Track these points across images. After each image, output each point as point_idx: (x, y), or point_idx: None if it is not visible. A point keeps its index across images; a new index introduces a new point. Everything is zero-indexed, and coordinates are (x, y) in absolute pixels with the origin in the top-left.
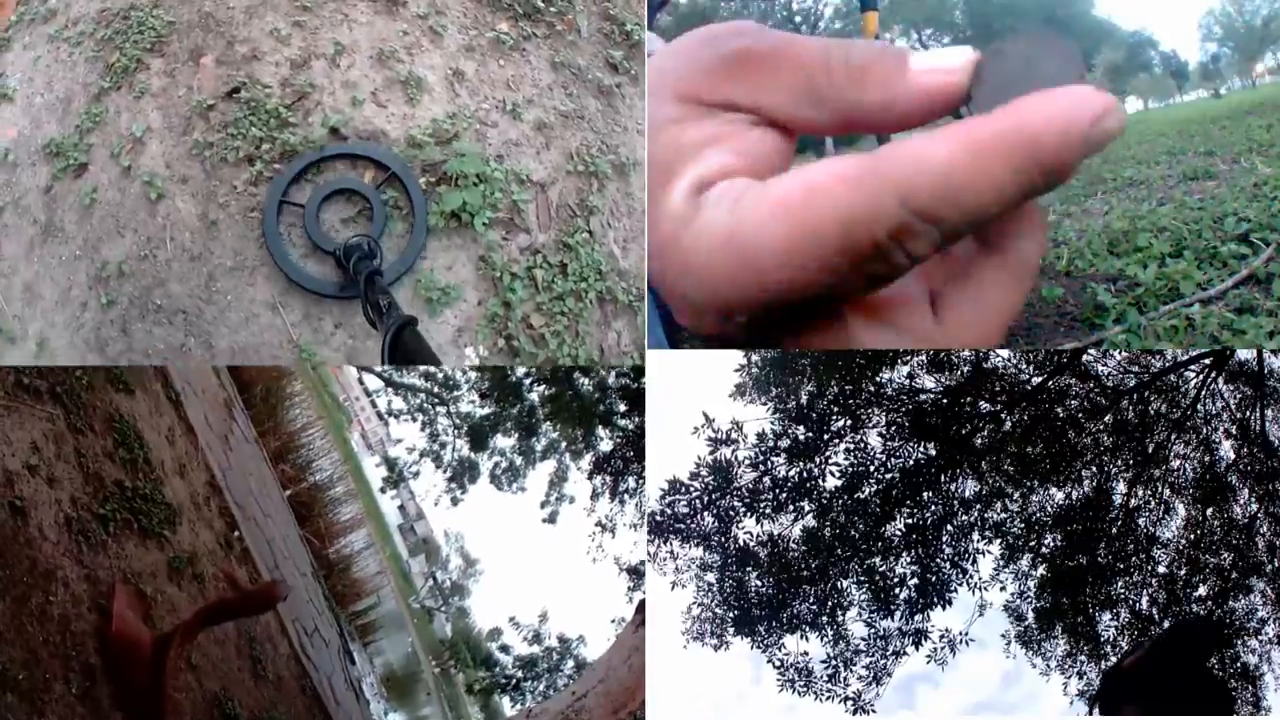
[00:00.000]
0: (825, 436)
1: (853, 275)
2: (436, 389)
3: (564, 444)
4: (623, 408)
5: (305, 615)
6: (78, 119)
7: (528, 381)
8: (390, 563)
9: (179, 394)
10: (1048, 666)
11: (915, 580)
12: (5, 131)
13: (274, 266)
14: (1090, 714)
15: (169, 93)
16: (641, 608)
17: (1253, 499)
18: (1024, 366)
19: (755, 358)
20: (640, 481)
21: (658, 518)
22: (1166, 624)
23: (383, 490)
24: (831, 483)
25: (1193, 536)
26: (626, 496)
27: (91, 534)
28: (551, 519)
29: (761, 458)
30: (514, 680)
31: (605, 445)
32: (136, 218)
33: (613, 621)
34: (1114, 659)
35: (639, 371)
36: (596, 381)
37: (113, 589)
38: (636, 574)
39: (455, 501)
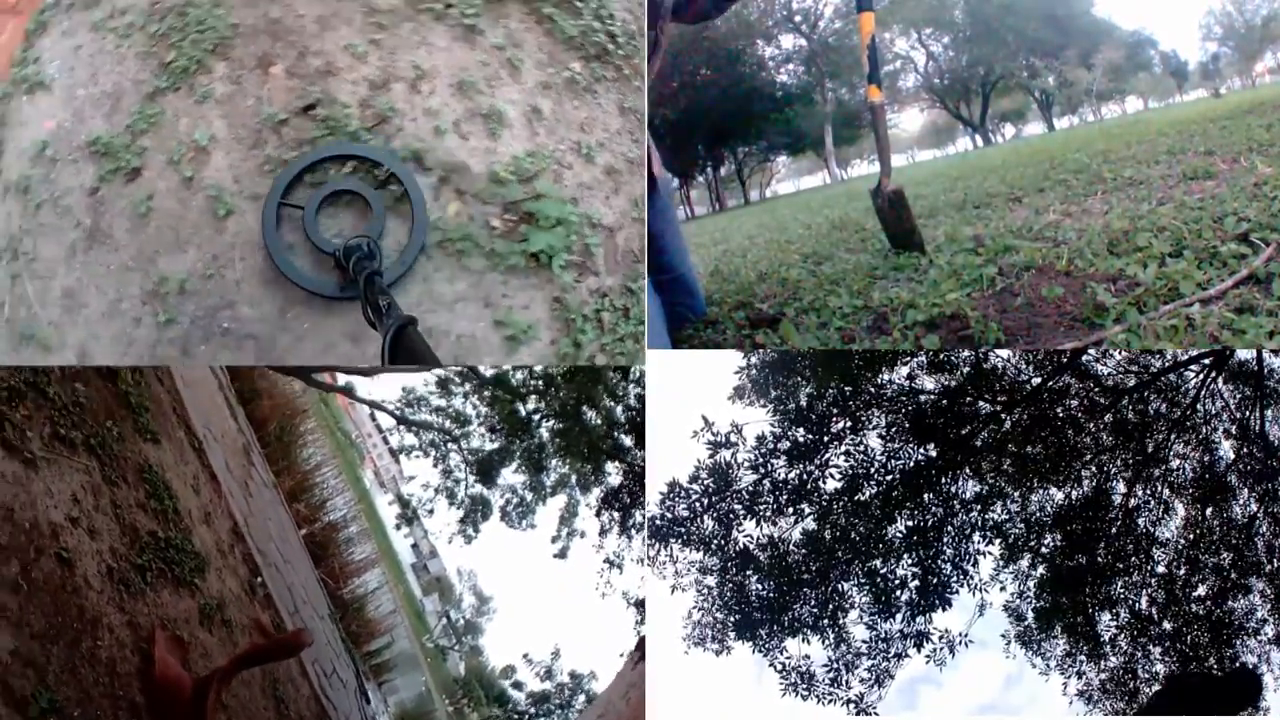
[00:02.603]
0: (825, 438)
1: None
2: (448, 424)
3: (573, 478)
4: (628, 442)
5: (324, 657)
6: (129, 118)
7: (536, 418)
8: (404, 602)
9: (201, 441)
10: (1047, 666)
11: (916, 582)
12: (42, 123)
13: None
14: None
15: (234, 101)
16: (641, 644)
17: (1253, 499)
18: (1024, 366)
19: (755, 359)
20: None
21: (657, 521)
22: (1230, 668)
23: (397, 528)
24: (831, 485)
25: (1192, 536)
26: (634, 531)
27: (131, 583)
28: (563, 554)
29: (761, 460)
30: (526, 717)
31: (614, 480)
32: (201, 233)
33: (621, 655)
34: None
35: (641, 402)
36: (604, 416)
37: (153, 634)
38: (643, 608)
39: (468, 539)
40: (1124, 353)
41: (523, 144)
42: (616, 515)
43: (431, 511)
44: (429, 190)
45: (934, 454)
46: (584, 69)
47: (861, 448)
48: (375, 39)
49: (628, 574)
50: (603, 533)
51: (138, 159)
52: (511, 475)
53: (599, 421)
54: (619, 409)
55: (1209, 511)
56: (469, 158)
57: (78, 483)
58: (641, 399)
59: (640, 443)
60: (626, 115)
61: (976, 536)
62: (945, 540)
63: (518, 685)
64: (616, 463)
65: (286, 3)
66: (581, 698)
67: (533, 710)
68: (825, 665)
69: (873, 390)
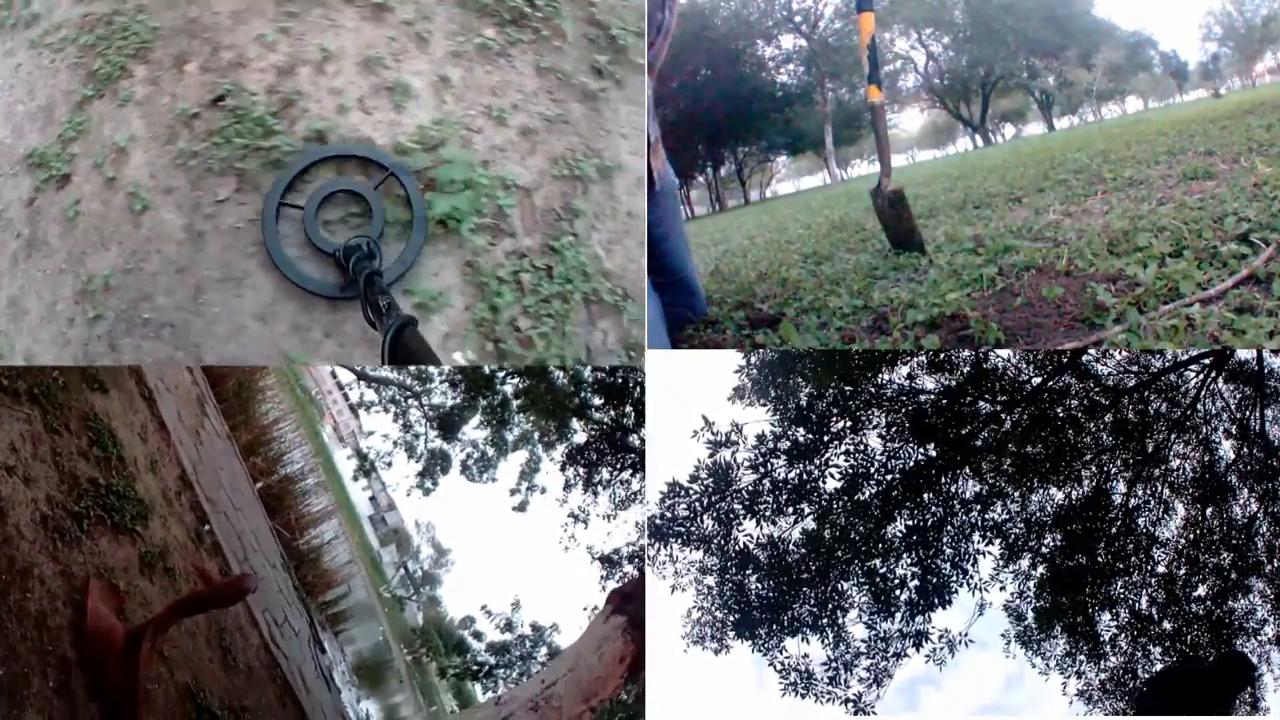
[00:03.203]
0: (825, 438)
1: None
2: (410, 381)
3: (536, 434)
4: (597, 401)
5: (275, 606)
6: (60, 128)
7: (501, 374)
8: (361, 553)
9: (152, 391)
10: (1047, 666)
11: (916, 582)
12: None
13: (263, 274)
14: (1140, 698)
15: (153, 100)
16: (613, 598)
17: (1253, 499)
18: (1024, 366)
19: (754, 358)
20: (614, 473)
21: (657, 521)
22: (1219, 652)
23: (354, 479)
24: (831, 484)
25: (1193, 536)
26: (600, 488)
27: (67, 531)
28: (522, 508)
29: (761, 460)
30: (486, 667)
31: (579, 437)
32: (121, 230)
33: (585, 609)
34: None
35: (622, 370)
36: (571, 375)
37: (87, 584)
38: (609, 563)
39: (426, 492)
40: (1124, 353)
41: (429, 113)
42: (581, 471)
43: (390, 464)
44: (331, 168)
45: (934, 454)
46: (498, 34)
47: (861, 447)
48: (285, 27)
49: (593, 528)
50: (567, 487)
51: (67, 166)
52: (473, 430)
53: (564, 380)
54: (586, 370)
55: (1209, 511)
56: (372, 131)
57: (17, 431)
58: (616, 379)
59: (610, 401)
60: (545, 75)
61: (976, 536)
62: (945, 540)
63: (477, 635)
64: (582, 420)
65: (204, 1)
66: (544, 649)
67: (493, 660)
68: (824, 664)
69: (873, 390)
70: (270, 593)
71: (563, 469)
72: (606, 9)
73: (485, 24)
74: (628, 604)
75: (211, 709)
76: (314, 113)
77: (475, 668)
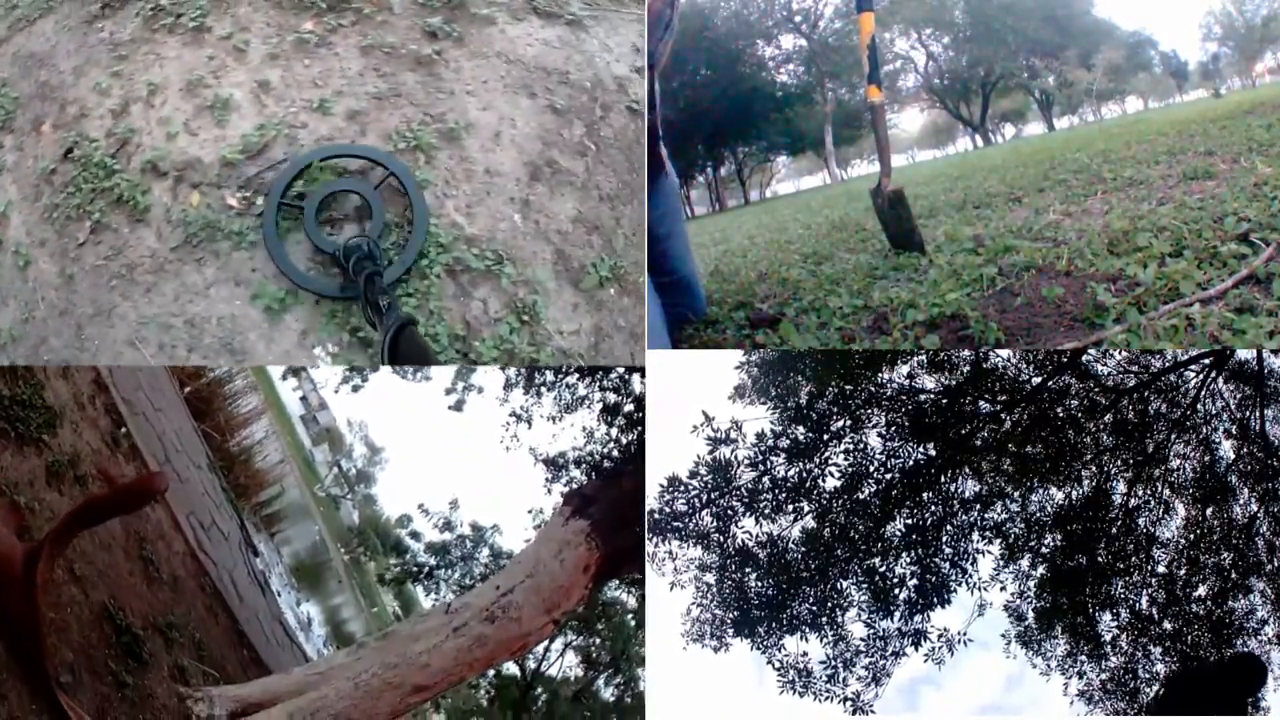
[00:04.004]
0: (825, 437)
1: None
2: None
3: None
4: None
5: (201, 509)
6: None
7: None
8: (293, 452)
9: None
10: (1048, 666)
11: (915, 581)
12: None
13: (125, 305)
14: (1159, 698)
15: (21, 165)
16: (571, 499)
17: (1253, 499)
18: (1024, 366)
19: (755, 357)
20: (558, 375)
21: (656, 516)
22: (1233, 652)
23: (284, 378)
24: (831, 483)
25: (1193, 536)
26: (544, 389)
27: None
28: (458, 407)
29: (761, 458)
30: (426, 568)
31: None
32: (14, 286)
33: (529, 511)
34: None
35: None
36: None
37: None
38: (555, 465)
39: (355, 389)
40: (1124, 353)
41: (251, 121)
42: (523, 372)
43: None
44: (168, 193)
45: (934, 453)
46: (316, 25)
47: (861, 446)
48: (117, 70)
49: (537, 429)
50: (507, 386)
51: None
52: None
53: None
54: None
55: (1209, 511)
56: (200, 151)
57: None
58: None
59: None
60: (370, 54)
61: (976, 536)
62: (945, 539)
63: (415, 535)
64: None
65: (52, 63)
66: (485, 550)
67: (433, 561)
68: (823, 663)
69: (873, 389)
70: (195, 495)
71: (503, 368)
72: None
73: (304, 18)
74: (588, 506)
75: (133, 629)
76: (146, 145)
77: (415, 569)
